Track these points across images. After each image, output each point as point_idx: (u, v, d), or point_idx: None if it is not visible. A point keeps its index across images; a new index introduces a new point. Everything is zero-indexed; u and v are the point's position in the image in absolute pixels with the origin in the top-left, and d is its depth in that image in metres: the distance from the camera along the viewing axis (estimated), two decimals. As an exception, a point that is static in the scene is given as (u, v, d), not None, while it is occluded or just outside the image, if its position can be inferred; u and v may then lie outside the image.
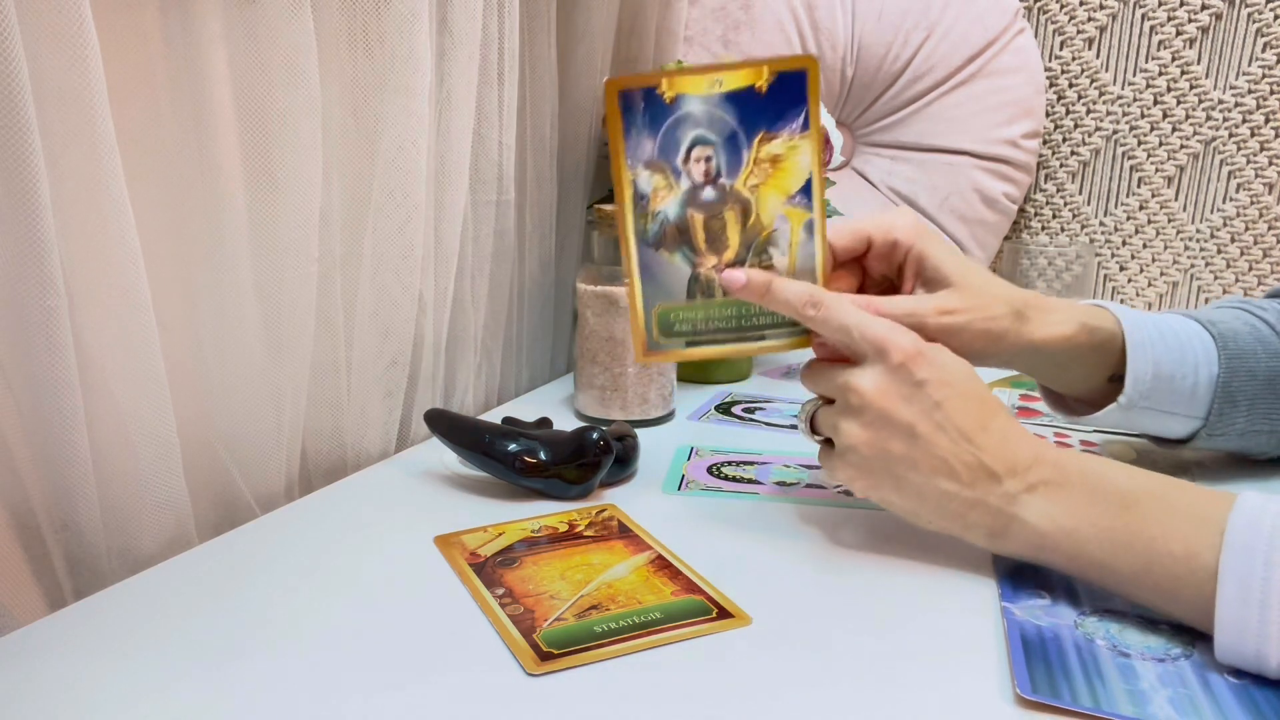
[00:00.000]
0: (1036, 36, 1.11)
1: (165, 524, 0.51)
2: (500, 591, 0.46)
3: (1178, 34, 1.05)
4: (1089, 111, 1.11)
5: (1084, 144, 1.12)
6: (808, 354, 0.53)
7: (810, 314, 0.49)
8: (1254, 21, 1.02)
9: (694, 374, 0.88)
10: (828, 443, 0.51)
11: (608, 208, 0.72)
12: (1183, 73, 1.06)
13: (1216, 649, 0.38)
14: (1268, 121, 1.03)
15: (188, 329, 0.54)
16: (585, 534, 0.53)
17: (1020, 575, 0.47)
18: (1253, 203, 1.06)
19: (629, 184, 0.50)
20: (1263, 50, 1.02)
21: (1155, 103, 1.08)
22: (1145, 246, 1.12)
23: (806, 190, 0.50)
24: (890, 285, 0.55)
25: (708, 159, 0.49)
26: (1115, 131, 1.11)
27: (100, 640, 0.41)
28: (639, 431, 0.67)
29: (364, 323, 0.64)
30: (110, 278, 0.46)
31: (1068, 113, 1.12)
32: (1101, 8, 1.08)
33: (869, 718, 0.36)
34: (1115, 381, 0.56)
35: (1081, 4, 1.09)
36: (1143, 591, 0.42)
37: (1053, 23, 1.11)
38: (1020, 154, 1.09)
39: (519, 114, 0.79)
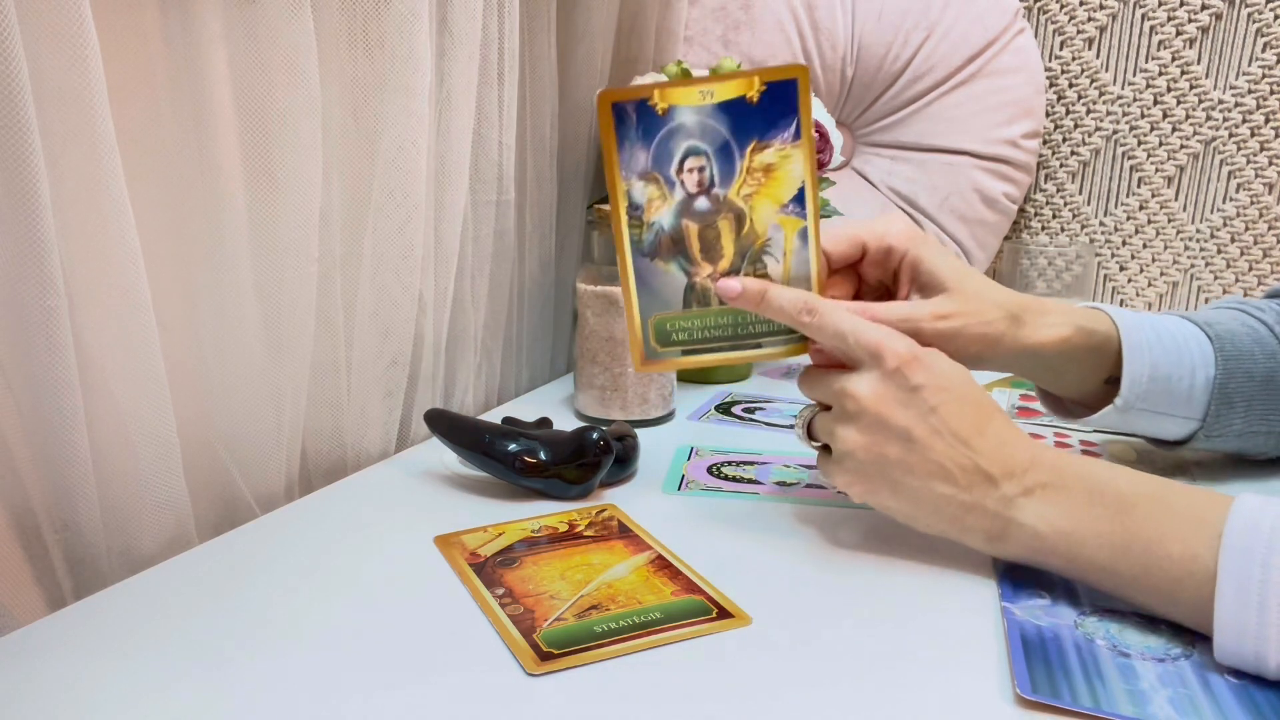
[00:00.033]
0: (1036, 36, 1.11)
1: (165, 524, 0.51)
2: (500, 591, 0.46)
3: (1178, 34, 1.05)
4: (1089, 111, 1.11)
5: (1084, 144, 1.12)
6: (807, 357, 0.53)
7: (806, 321, 0.49)
8: (1254, 21, 1.02)
9: (694, 374, 0.88)
10: (825, 448, 0.51)
11: (607, 208, 0.72)
12: (1183, 73, 1.06)
13: (1216, 651, 0.38)
14: (1268, 121, 1.03)
15: (188, 329, 0.54)
16: (585, 534, 0.53)
17: (1020, 575, 0.47)
18: (1253, 203, 1.06)
19: (623, 195, 0.50)
20: (1263, 50, 1.02)
21: (1155, 103, 1.08)
22: (1145, 246, 1.12)
23: (800, 199, 0.50)
24: (885, 291, 0.55)
25: (700, 169, 0.49)
26: (1115, 131, 1.11)
27: (100, 640, 0.41)
28: (639, 431, 0.67)
29: (364, 323, 0.64)
30: (110, 278, 0.46)
31: (1068, 113, 1.12)
32: (1101, 8, 1.08)
33: (869, 718, 0.36)
34: (1112, 383, 0.56)
35: (1081, 4, 1.09)
36: (1141, 593, 0.42)
37: (1053, 23, 1.11)
38: (1020, 154, 1.09)
39: (519, 114, 0.79)
